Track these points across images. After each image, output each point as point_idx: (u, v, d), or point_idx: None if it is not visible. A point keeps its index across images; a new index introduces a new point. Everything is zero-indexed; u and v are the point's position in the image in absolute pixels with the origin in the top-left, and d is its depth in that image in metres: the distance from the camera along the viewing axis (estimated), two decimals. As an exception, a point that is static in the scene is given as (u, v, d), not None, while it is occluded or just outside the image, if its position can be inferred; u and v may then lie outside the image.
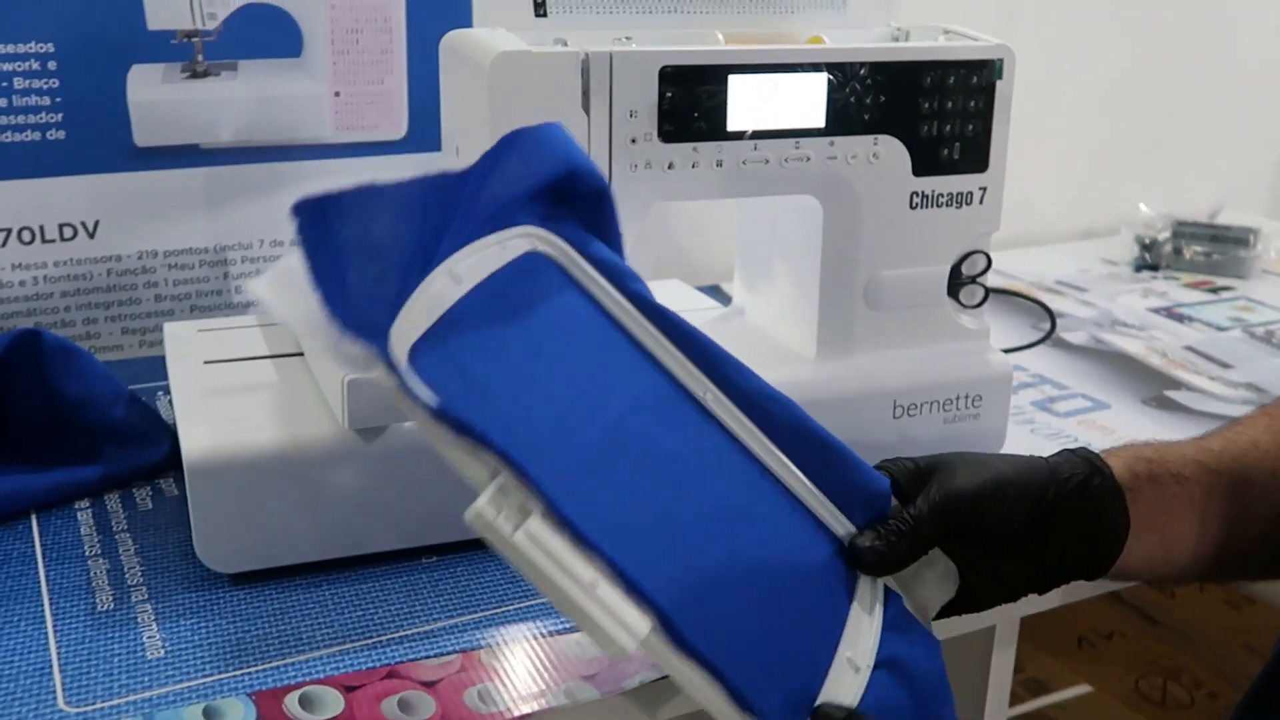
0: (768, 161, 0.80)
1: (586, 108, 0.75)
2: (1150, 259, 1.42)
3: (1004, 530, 0.66)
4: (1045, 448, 0.95)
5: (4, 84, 0.99)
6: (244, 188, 1.10)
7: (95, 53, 1.01)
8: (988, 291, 0.89)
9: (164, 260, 1.09)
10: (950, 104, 0.83)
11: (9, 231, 1.03)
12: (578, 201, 0.65)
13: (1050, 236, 1.51)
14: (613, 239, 0.67)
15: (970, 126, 0.85)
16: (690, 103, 0.77)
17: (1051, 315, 1.00)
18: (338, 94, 1.11)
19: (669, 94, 0.76)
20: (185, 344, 0.87)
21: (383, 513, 0.75)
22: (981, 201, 0.87)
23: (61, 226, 1.05)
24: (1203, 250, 1.40)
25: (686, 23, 0.85)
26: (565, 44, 0.79)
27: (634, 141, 0.77)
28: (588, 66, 0.75)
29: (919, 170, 0.84)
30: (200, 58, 1.05)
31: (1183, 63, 1.59)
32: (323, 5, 1.08)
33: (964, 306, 0.89)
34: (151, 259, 1.09)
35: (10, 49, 0.99)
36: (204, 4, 1.04)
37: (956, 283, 0.88)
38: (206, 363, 0.83)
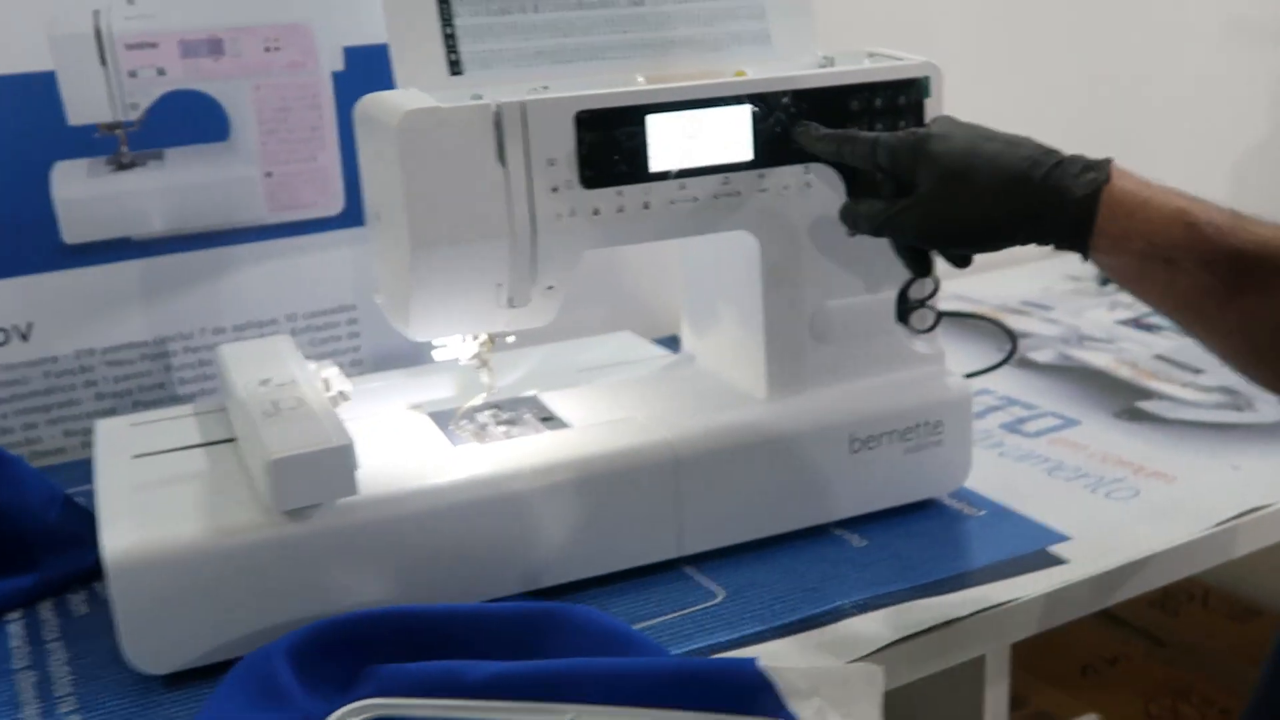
0: (696, 200, 0.78)
1: (503, 159, 0.73)
2: (1115, 273, 1.40)
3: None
4: (1014, 471, 0.92)
5: (-77, 191, 0.97)
6: (181, 277, 1.08)
7: (16, 151, 0.99)
8: (939, 315, 0.87)
9: (102, 358, 1.06)
10: (880, 126, 0.82)
11: (-61, 341, 1.00)
12: (333, 663, 0.66)
13: (1012, 258, 1.49)
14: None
15: (903, 147, 0.82)
16: (609, 146, 0.75)
17: (1011, 335, 0.97)
18: (270, 174, 1.09)
19: (586, 139, 0.74)
20: (115, 440, 0.84)
21: (322, 599, 0.71)
22: (921, 223, 0.84)
23: (-7, 331, 1.02)
24: (1167, 259, 1.38)
25: (606, 69, 0.83)
26: (481, 99, 0.77)
27: (555, 190, 0.75)
28: (500, 118, 0.73)
29: (853, 195, 0.82)
30: (125, 149, 1.03)
31: (1137, 71, 1.59)
32: (247, 87, 1.06)
33: (916, 331, 0.86)
34: (89, 357, 1.06)
35: (-73, 155, 0.97)
36: (124, 95, 1.02)
37: (906, 308, 0.86)
38: (135, 457, 0.80)
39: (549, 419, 0.84)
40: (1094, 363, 1.14)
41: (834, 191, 0.81)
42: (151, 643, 0.69)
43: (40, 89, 0.99)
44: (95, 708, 0.68)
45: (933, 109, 0.83)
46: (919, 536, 0.83)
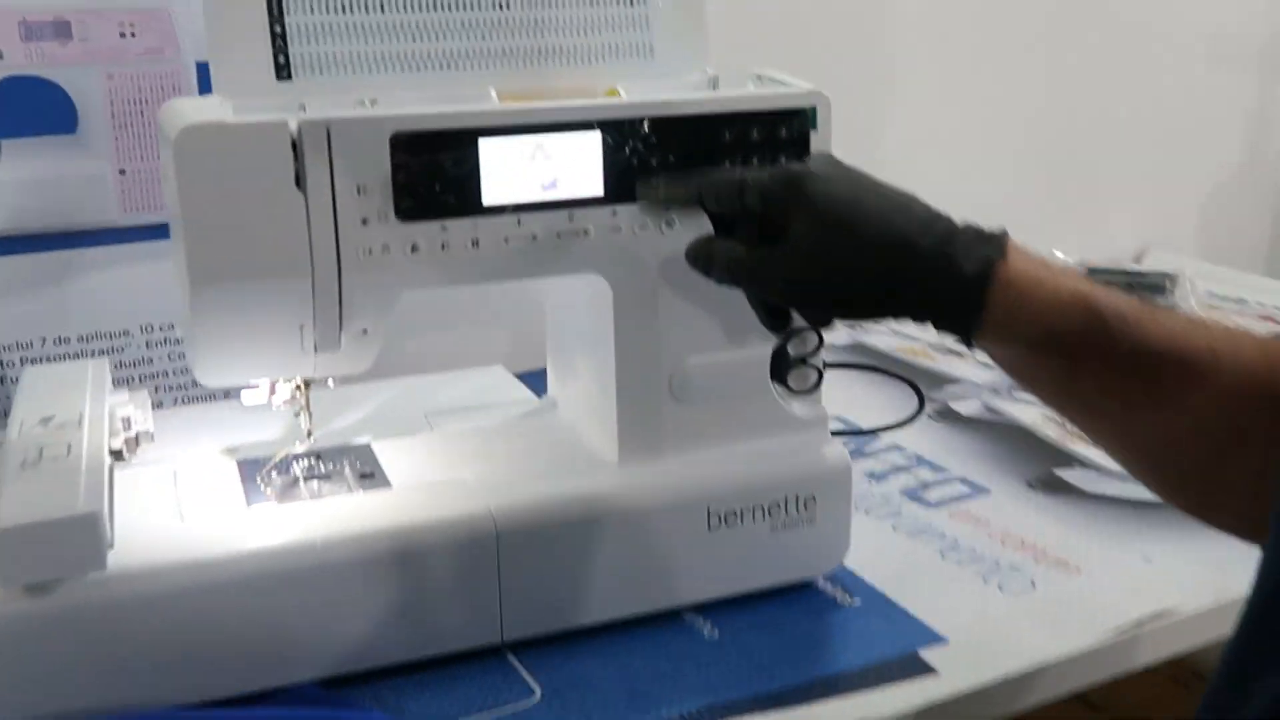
0: (535, 238, 0.68)
1: (301, 185, 0.63)
2: (1063, 312, 1.30)
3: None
4: (905, 549, 0.83)
5: None
6: (21, 281, 0.98)
7: None
8: (821, 372, 0.77)
9: (-71, 366, 0.97)
10: (757, 160, 0.72)
11: None
12: None
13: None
14: None
15: (783, 186, 0.73)
16: (432, 173, 0.65)
17: (919, 392, 0.88)
18: (123, 172, 0.99)
19: (404, 164, 0.65)
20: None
21: (88, 685, 0.62)
22: (808, 271, 0.75)
23: None
24: (1119, 300, 1.28)
25: (455, 80, 0.73)
26: (304, 110, 0.67)
27: (365, 222, 0.65)
28: (300, 137, 0.63)
29: (724, 235, 0.72)
30: (-46, 138, 0.94)
31: (1102, 100, 1.49)
32: (98, 75, 0.96)
33: (793, 392, 0.77)
34: (-87, 365, 0.96)
35: None
36: (-46, 78, 0.92)
37: (783, 365, 0.76)
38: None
39: (369, 475, 0.74)
40: (1020, 418, 1.04)
41: (699, 232, 0.71)
42: None
43: None
44: None
45: (819, 145, 0.73)
46: (778, 629, 0.73)
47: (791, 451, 0.76)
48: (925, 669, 0.69)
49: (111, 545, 0.62)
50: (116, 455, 0.70)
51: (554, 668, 0.69)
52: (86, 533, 0.60)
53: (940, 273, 0.58)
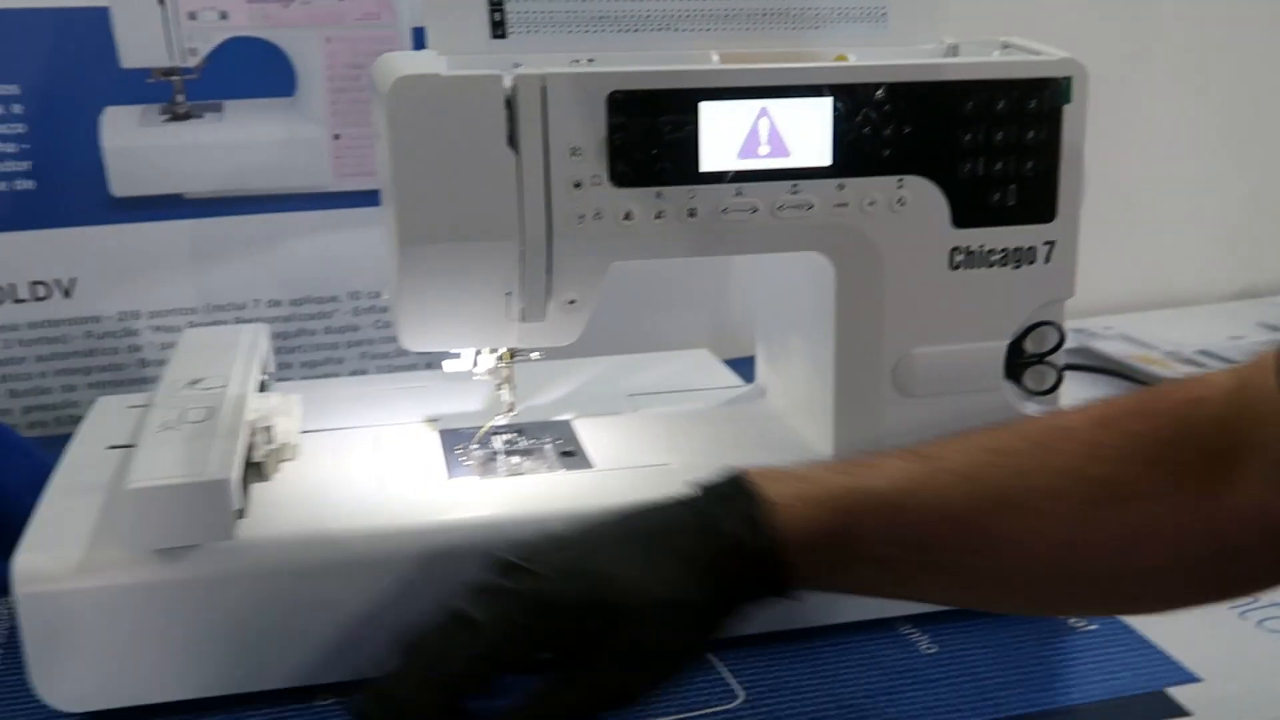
0: (755, 210, 0.63)
1: (515, 144, 0.60)
2: (1324, 322, 1.18)
3: None
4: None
5: (-34, 130, 0.91)
6: (236, 242, 0.99)
7: (65, 94, 0.92)
8: (1062, 372, 0.70)
9: (148, 321, 0.99)
10: (1001, 135, 0.65)
11: (-23, 290, 0.94)
12: None
13: (1196, 297, 1.28)
14: None
15: (1029, 164, 0.66)
16: (650, 137, 0.61)
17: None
18: (338, 137, 0.99)
19: (621, 126, 0.61)
20: (103, 423, 0.76)
21: (255, 644, 0.61)
22: (1048, 260, 0.68)
23: (34, 285, 0.96)
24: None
25: (676, 41, 0.69)
26: (519, 67, 0.64)
27: (578, 186, 0.61)
28: (515, 94, 0.60)
29: (961, 220, 0.66)
30: (180, 98, 0.95)
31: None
32: (317, 38, 0.96)
33: (1030, 393, 0.70)
34: (134, 320, 0.99)
35: (-28, 91, 0.91)
36: (182, 39, 0.93)
37: (1019, 362, 0.69)
38: (109, 448, 0.71)
39: (570, 453, 0.71)
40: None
41: (935, 212, 0.65)
42: (62, 676, 0.60)
43: (92, 26, 0.91)
44: (-5, 740, 0.60)
45: (1073, 119, 0.66)
46: (1004, 650, 0.66)
47: (1025, 456, 0.69)
48: (1177, 710, 0.61)
49: (242, 514, 0.61)
50: (256, 469, 0.67)
51: (758, 671, 0.64)
52: (212, 500, 0.58)
53: (723, 557, 0.51)
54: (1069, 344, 1.01)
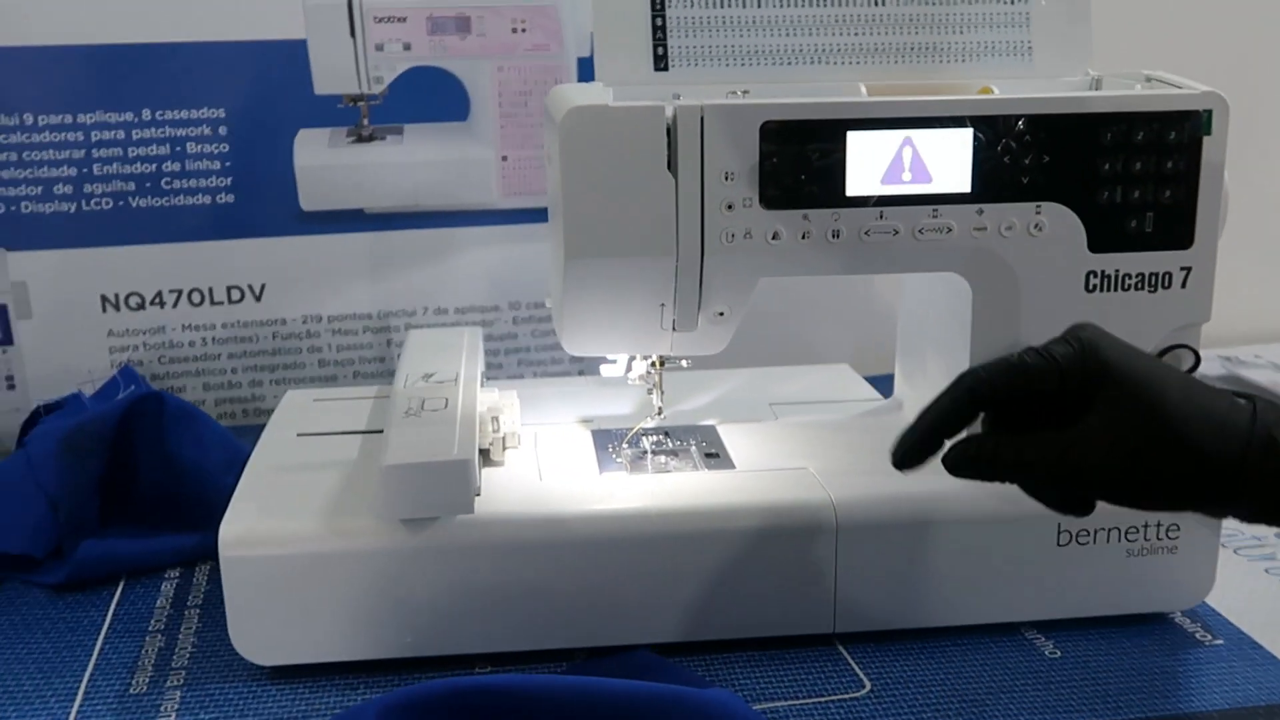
0: (897, 233, 0.68)
1: (674, 168, 0.66)
2: None
3: None
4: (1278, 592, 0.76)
5: (178, 149, 1.01)
6: (409, 253, 1.07)
7: (263, 118, 1.02)
8: (1195, 396, 0.72)
9: (328, 325, 1.08)
10: (1139, 165, 0.68)
11: (180, 293, 1.04)
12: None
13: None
14: None
15: (1167, 193, 0.69)
16: (798, 163, 0.66)
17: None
18: (505, 158, 1.07)
19: (772, 153, 0.66)
20: (292, 414, 0.84)
21: (434, 614, 0.67)
22: (1184, 285, 0.70)
23: (229, 289, 1.05)
24: None
25: (826, 74, 0.74)
26: (679, 99, 0.70)
27: (730, 208, 0.67)
28: (675, 122, 0.65)
29: (1098, 245, 0.69)
30: (366, 122, 1.04)
31: None
32: (490, 68, 1.04)
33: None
34: (315, 323, 1.08)
35: (184, 114, 1.01)
36: (370, 68, 1.02)
37: (1152, 384, 0.72)
38: (299, 435, 0.79)
39: (715, 455, 0.76)
40: None
41: (1072, 237, 0.68)
42: (258, 632, 0.67)
43: (290, 57, 1.00)
44: (198, 687, 0.67)
45: (1213, 151, 0.68)
46: (1129, 658, 0.69)
47: (1154, 474, 0.71)
48: (1297, 723, 0.63)
49: (478, 493, 0.67)
50: (484, 455, 0.74)
51: (884, 664, 0.68)
52: (458, 477, 0.65)
53: (1265, 454, 0.52)
54: (1217, 372, 1.03)
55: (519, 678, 0.63)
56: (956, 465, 0.58)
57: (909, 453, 0.58)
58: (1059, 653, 0.70)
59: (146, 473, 0.86)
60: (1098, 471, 0.54)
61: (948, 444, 0.58)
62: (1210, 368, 1.11)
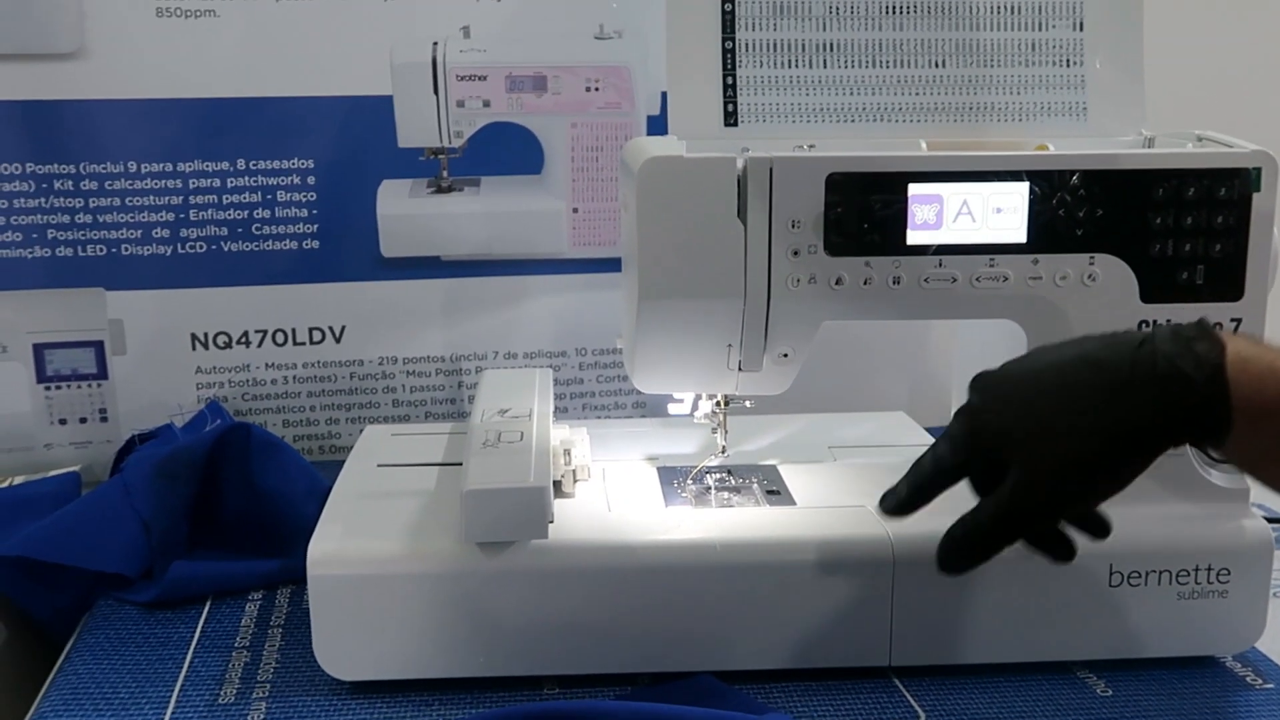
0: (955, 280, 0.71)
1: (743, 217, 0.70)
2: None
3: None
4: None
5: (269, 197, 1.07)
6: (481, 300, 1.12)
7: (350, 168, 1.07)
8: (1246, 443, 0.74)
9: (403, 366, 1.12)
10: (1190, 219, 0.71)
11: (265, 333, 1.10)
12: None
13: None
14: None
15: (1218, 246, 0.72)
16: (861, 213, 0.70)
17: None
18: (576, 210, 1.11)
19: (836, 203, 0.70)
20: (372, 446, 0.88)
21: (507, 635, 0.71)
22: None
23: (311, 330, 1.10)
24: None
25: (890, 131, 0.78)
26: (748, 152, 0.74)
27: (796, 254, 0.70)
28: (745, 173, 0.70)
29: (1149, 295, 0.72)
30: (445, 174, 1.09)
31: None
32: (564, 124, 1.09)
33: (1214, 460, 0.74)
34: (391, 365, 1.12)
35: (276, 164, 1.07)
36: (451, 123, 1.08)
37: (1203, 430, 0.74)
38: (379, 465, 0.84)
39: (776, 492, 0.79)
40: None
41: (1124, 287, 0.71)
42: (341, 649, 0.71)
43: (378, 111, 1.06)
44: (283, 699, 0.71)
45: (1262, 206, 0.71)
46: (1180, 700, 0.70)
47: (1207, 518, 0.73)
48: (1346, 765, 0.65)
49: (552, 520, 0.71)
50: (557, 486, 0.77)
51: (939, 698, 0.70)
52: (534, 503, 0.68)
53: (1169, 391, 0.56)
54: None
55: (585, 703, 0.67)
56: (952, 563, 0.64)
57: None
58: (1110, 692, 0.71)
59: (233, 499, 0.91)
60: (1041, 501, 0.61)
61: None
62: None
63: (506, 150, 1.09)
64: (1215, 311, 0.72)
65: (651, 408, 1.14)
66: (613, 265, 1.12)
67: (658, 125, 1.09)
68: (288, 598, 0.84)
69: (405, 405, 1.13)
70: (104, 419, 1.08)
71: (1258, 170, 0.71)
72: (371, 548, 0.71)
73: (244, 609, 0.83)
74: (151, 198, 1.05)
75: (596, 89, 1.09)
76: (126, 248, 1.06)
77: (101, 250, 1.05)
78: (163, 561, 0.85)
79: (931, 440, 0.90)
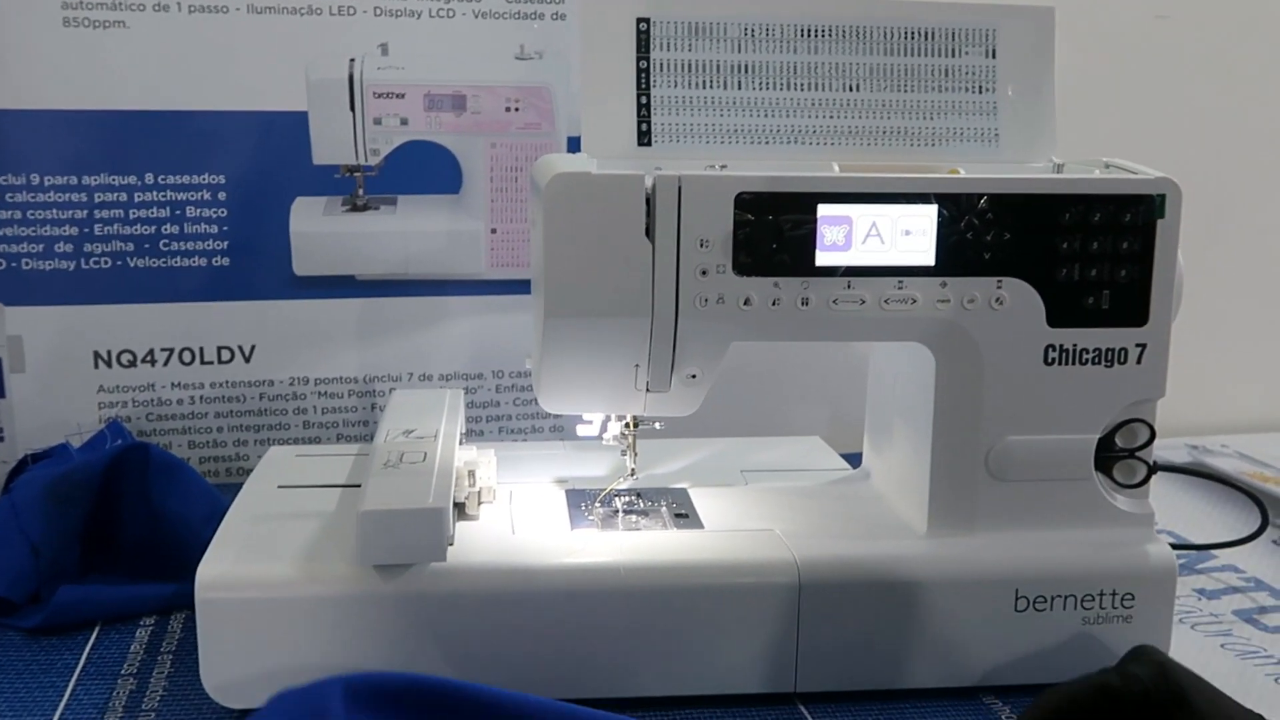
0: (863, 302, 0.71)
1: (651, 235, 0.69)
2: None
3: None
4: (1232, 669, 0.77)
5: (178, 212, 1.04)
6: (396, 320, 1.10)
7: (262, 185, 1.05)
8: (1152, 469, 0.75)
9: (314, 388, 1.10)
10: (1096, 244, 0.71)
11: (171, 351, 1.07)
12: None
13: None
14: None
15: (1123, 271, 0.72)
16: (770, 233, 0.69)
17: (1261, 507, 0.82)
18: (494, 231, 1.10)
19: (746, 223, 0.69)
20: (274, 468, 0.86)
21: (405, 661, 0.68)
22: (1139, 361, 0.73)
23: (220, 349, 1.08)
24: None
25: (804, 154, 0.77)
26: (660, 170, 0.73)
27: (704, 274, 0.70)
28: (654, 191, 0.69)
29: (1056, 320, 0.72)
30: (361, 192, 1.07)
31: None
32: (483, 143, 1.08)
33: (1119, 485, 0.74)
34: (303, 385, 1.10)
35: (186, 179, 1.04)
36: (368, 140, 1.06)
37: (1109, 455, 0.74)
38: (280, 487, 0.81)
39: (684, 515, 0.78)
40: (1384, 556, 0.94)
41: (1031, 311, 0.71)
42: (230, 675, 0.68)
43: (292, 127, 1.04)
44: (167, 729, 0.68)
45: (1166, 234, 0.71)
46: (1083, 725, 0.70)
47: (1112, 544, 0.73)
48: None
49: (452, 542, 0.69)
50: (460, 508, 0.76)
51: (843, 725, 0.70)
52: (432, 525, 0.67)
53: None
54: (1184, 459, 1.05)
55: (488, 689, 0.64)
56: None
57: None
58: (1015, 717, 0.71)
59: (129, 522, 0.88)
60: None
61: None
62: (1177, 455, 1.13)
63: (424, 169, 1.08)
64: (1120, 336, 0.73)
65: (568, 431, 1.13)
66: (529, 287, 1.11)
67: (579, 147, 1.08)
68: (181, 623, 0.81)
69: (316, 427, 1.11)
70: (0, 439, 1.04)
71: (1161, 196, 0.71)
72: (264, 571, 0.68)
73: (134, 635, 0.80)
74: (55, 211, 1.02)
75: (516, 109, 1.08)
76: (27, 262, 1.02)
77: (0, 264, 1.02)
78: (51, 585, 0.82)
79: (846, 465, 0.90)
